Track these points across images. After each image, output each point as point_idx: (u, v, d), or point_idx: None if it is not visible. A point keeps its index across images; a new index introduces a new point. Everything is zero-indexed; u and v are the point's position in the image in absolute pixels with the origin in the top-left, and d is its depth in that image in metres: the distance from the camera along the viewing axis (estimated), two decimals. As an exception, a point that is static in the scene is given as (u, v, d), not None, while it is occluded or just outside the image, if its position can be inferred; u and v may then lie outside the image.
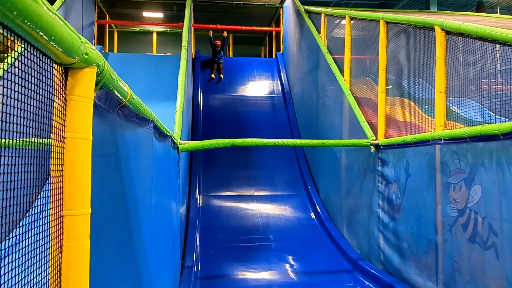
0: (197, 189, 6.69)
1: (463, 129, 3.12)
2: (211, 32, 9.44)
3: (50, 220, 0.92)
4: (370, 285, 4.31)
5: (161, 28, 12.62)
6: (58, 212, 0.96)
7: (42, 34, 0.77)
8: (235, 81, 9.43)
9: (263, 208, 6.47)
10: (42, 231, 0.90)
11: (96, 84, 1.14)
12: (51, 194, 0.93)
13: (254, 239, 5.65)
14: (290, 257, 5.14)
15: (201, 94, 8.90)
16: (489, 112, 3.10)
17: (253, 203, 6.61)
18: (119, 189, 1.53)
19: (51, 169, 0.93)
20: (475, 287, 3.01)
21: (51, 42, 0.82)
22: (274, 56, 11.08)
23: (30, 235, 0.86)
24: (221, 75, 9.30)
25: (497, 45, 2.94)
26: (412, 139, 3.87)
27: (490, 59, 3.07)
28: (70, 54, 0.93)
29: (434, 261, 3.54)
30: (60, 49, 0.88)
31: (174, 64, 6.95)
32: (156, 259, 2.46)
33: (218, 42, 9.29)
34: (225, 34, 9.68)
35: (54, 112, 0.96)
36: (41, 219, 0.90)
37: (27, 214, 0.87)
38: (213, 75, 9.28)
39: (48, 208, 0.92)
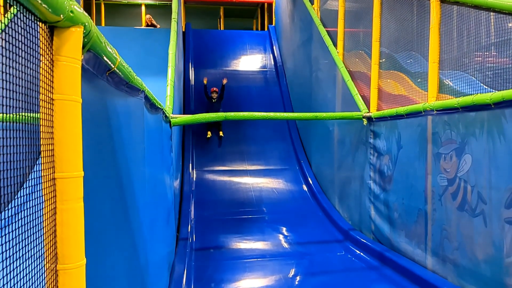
0: (190, 164, 6.71)
1: (455, 100, 3.13)
2: (205, 79, 7.39)
3: (42, 181, 0.91)
4: (361, 253, 4.44)
5: (149, 1, 12.22)
6: (50, 174, 0.95)
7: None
8: (227, 55, 9.26)
9: (257, 182, 6.54)
10: (34, 192, 0.89)
11: (84, 46, 1.10)
12: (42, 156, 0.92)
13: (248, 211, 5.74)
14: (283, 228, 5.24)
15: (193, 68, 8.76)
16: (482, 85, 3.10)
17: (246, 177, 6.66)
18: (111, 156, 1.52)
19: (41, 130, 0.91)
20: (462, 254, 3.11)
21: (33, -5, 0.78)
22: (266, 29, 10.87)
23: (22, 195, 0.85)
24: (221, 133, 7.24)
25: (492, 13, 2.91)
26: (405, 111, 3.89)
27: (484, 28, 3.05)
28: (55, 11, 0.90)
29: (423, 229, 3.65)
30: (44, 5, 0.84)
31: (164, 38, 6.78)
32: (151, 230, 2.48)
33: (215, 90, 7.28)
34: (225, 81, 7.49)
35: (41, 73, 0.93)
36: (33, 180, 0.89)
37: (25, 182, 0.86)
38: (209, 133, 7.24)
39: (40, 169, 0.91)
